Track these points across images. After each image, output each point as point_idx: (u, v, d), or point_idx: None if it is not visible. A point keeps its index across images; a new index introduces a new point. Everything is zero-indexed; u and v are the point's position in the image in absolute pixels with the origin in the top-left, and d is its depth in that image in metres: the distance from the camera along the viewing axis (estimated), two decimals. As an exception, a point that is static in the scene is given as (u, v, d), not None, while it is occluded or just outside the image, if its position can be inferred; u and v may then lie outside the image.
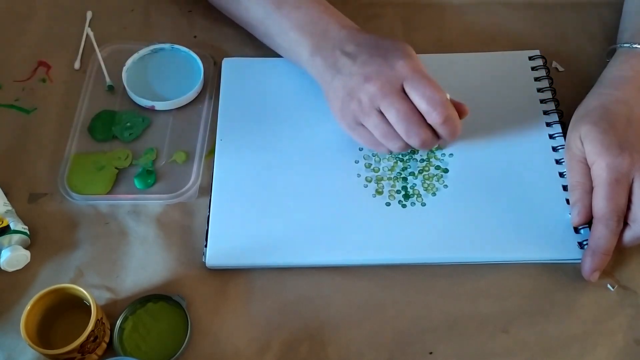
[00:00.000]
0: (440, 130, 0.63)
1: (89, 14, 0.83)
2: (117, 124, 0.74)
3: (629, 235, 0.62)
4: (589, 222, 0.65)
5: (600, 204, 0.61)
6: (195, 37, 0.81)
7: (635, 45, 0.67)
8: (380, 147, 0.66)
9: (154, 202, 0.69)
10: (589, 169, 0.64)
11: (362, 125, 0.65)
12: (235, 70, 0.77)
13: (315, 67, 0.68)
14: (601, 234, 0.61)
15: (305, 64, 0.69)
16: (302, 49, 0.68)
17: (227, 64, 0.78)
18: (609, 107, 0.65)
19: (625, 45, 0.68)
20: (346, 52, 0.65)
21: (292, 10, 0.69)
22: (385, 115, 0.63)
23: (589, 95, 0.68)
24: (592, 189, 0.63)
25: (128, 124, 0.74)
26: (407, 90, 0.62)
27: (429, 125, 0.63)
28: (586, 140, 0.63)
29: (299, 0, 0.70)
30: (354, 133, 0.67)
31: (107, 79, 0.76)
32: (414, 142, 0.63)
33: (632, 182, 0.62)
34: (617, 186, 0.61)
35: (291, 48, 0.70)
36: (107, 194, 0.69)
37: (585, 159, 0.64)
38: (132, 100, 0.75)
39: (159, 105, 0.74)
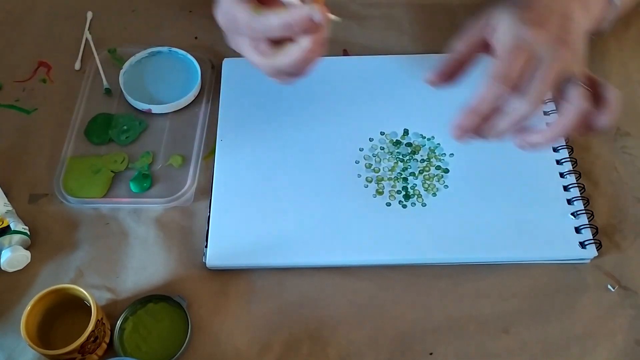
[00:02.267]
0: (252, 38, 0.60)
1: (90, 15, 0.83)
2: (113, 127, 0.73)
3: (516, 102, 0.55)
4: (591, 224, 0.65)
5: (495, 65, 0.56)
6: (196, 38, 0.81)
7: None
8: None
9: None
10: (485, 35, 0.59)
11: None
12: (235, 70, 0.77)
13: None
14: (481, 94, 0.56)
15: None
16: None
17: (227, 64, 0.78)
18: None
19: None
20: None
21: None
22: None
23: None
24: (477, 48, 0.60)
25: (125, 127, 0.73)
26: None
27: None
28: (499, 15, 0.58)
29: None
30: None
31: (105, 82, 0.76)
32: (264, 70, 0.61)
33: (535, 57, 0.56)
34: (516, 52, 0.55)
35: None
36: (103, 197, 0.69)
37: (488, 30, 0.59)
38: (129, 103, 0.75)
39: (156, 109, 0.74)
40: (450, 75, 0.61)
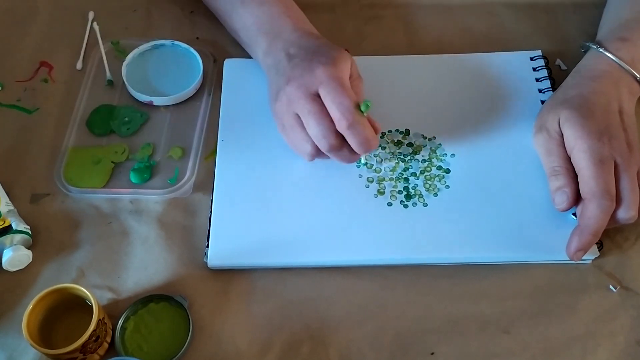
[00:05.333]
0: (348, 138, 0.63)
1: (91, 14, 0.83)
2: (115, 118, 0.74)
3: (622, 213, 0.62)
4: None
5: (590, 184, 0.61)
6: (197, 38, 0.81)
7: (605, 53, 0.69)
8: (298, 150, 0.66)
9: (154, 201, 0.69)
10: (567, 154, 0.65)
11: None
12: (236, 71, 0.77)
13: (267, 66, 0.70)
14: (592, 214, 0.61)
15: (260, 62, 0.72)
16: (258, 48, 0.71)
17: (228, 64, 0.78)
18: (588, 96, 0.66)
19: (599, 50, 0.70)
20: (288, 54, 0.67)
21: (255, 7, 0.72)
22: (300, 117, 0.64)
23: (566, 85, 0.70)
24: (576, 174, 0.64)
25: (126, 119, 0.74)
26: (321, 95, 0.63)
27: (340, 134, 0.63)
28: (566, 125, 0.64)
29: None
30: (282, 132, 0.68)
31: (108, 73, 0.77)
32: (322, 146, 0.63)
33: (615, 166, 0.63)
34: (602, 166, 0.62)
35: (250, 45, 0.73)
36: (103, 187, 0.69)
37: (563, 143, 0.65)
38: (131, 95, 0.75)
39: (157, 101, 0.74)
40: (577, 200, 0.64)
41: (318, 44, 0.67)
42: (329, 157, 0.66)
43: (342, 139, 0.64)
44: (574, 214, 0.66)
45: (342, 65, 0.65)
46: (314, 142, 0.64)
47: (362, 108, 0.63)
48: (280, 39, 0.69)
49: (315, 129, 0.63)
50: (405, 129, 0.73)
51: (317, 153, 0.65)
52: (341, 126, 0.62)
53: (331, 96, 0.62)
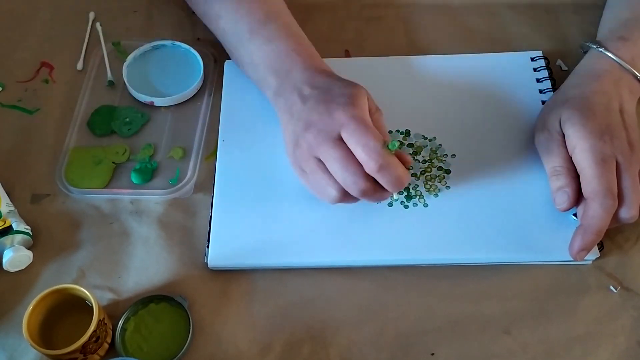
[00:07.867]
0: (379, 179, 0.60)
1: (92, 15, 0.83)
2: (116, 119, 0.74)
3: (623, 213, 0.62)
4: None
5: (592, 184, 0.61)
6: (198, 39, 0.81)
7: (606, 52, 0.69)
8: (322, 195, 0.63)
9: (155, 202, 0.69)
10: (569, 154, 0.65)
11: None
12: (237, 72, 0.77)
13: (278, 107, 0.67)
14: (595, 213, 0.61)
15: (271, 101, 0.69)
16: (268, 88, 0.69)
17: (229, 66, 0.78)
18: (589, 96, 0.66)
19: (599, 49, 0.70)
20: (302, 95, 0.64)
21: (263, 43, 0.69)
22: (325, 163, 0.61)
23: (567, 85, 0.70)
24: (577, 174, 0.64)
25: (127, 120, 0.74)
26: (344, 138, 0.60)
27: (369, 176, 0.60)
28: (567, 124, 0.64)
29: (272, 33, 0.69)
30: (301, 178, 0.65)
31: (109, 74, 0.77)
32: (353, 191, 0.60)
33: (617, 165, 0.63)
34: (604, 165, 0.61)
35: (259, 82, 0.70)
36: (104, 188, 0.69)
37: (564, 143, 0.65)
38: (131, 95, 0.76)
39: (158, 101, 0.75)
40: (578, 200, 0.64)
41: (331, 83, 0.64)
42: (356, 200, 0.63)
43: (372, 180, 0.60)
44: (575, 215, 0.66)
45: (360, 102, 0.61)
46: (340, 187, 0.61)
47: (390, 147, 0.59)
48: (290, 79, 0.66)
49: (342, 175, 0.59)
50: (406, 130, 0.73)
51: (344, 197, 0.62)
52: (370, 169, 0.59)
53: (355, 138, 0.59)
